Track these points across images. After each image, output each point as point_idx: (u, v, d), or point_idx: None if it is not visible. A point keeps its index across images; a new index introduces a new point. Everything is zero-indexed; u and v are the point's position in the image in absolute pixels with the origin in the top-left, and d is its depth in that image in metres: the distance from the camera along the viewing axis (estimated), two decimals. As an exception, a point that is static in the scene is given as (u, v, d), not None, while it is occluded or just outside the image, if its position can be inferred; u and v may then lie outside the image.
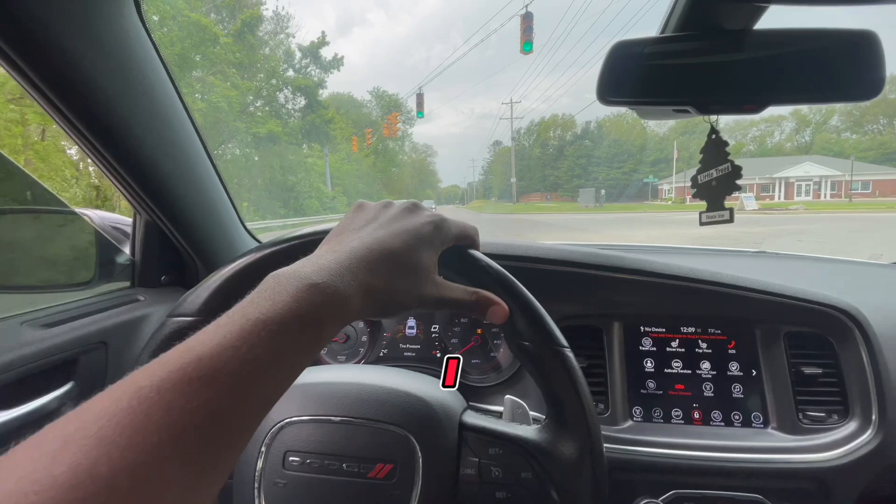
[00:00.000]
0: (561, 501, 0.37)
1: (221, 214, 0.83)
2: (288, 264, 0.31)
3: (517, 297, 0.38)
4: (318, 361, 0.79)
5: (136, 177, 0.70)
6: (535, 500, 0.37)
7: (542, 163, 74.53)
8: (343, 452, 0.38)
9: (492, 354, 0.78)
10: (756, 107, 0.54)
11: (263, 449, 0.39)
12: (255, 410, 0.25)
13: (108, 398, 0.21)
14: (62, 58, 0.55)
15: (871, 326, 0.64)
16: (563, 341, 0.38)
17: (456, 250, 0.39)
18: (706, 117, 0.61)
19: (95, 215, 0.85)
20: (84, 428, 0.20)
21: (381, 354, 0.80)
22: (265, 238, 1.02)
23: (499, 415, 0.49)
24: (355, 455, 0.38)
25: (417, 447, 0.38)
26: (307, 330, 0.27)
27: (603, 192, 47.62)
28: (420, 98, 22.46)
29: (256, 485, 0.38)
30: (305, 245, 0.42)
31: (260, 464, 0.38)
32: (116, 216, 0.87)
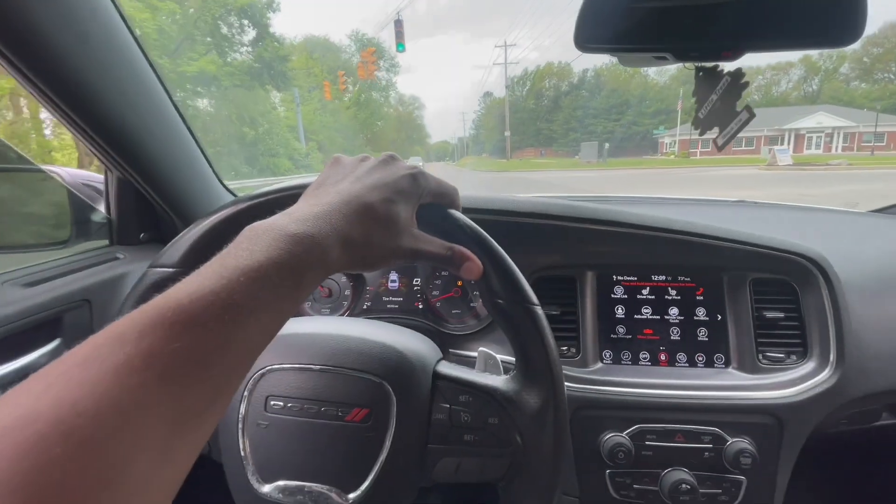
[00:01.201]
0: (524, 446, 0.40)
1: (195, 169, 0.81)
2: (265, 218, 0.32)
3: (492, 256, 0.40)
4: (302, 315, 0.81)
5: (101, 132, 0.68)
6: (500, 444, 0.41)
7: (537, 115, 70.85)
8: (322, 397, 0.40)
9: (471, 305, 0.80)
10: (733, 53, 0.53)
11: (246, 393, 0.41)
12: (237, 356, 0.25)
13: (90, 345, 0.22)
14: (16, 14, 0.51)
15: (834, 272, 0.66)
16: (534, 299, 0.40)
17: (435, 209, 0.40)
18: (686, 64, 0.59)
19: (66, 173, 0.83)
20: (67, 372, 0.20)
21: (365, 307, 0.82)
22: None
23: (473, 364, 0.52)
24: (333, 400, 0.40)
25: (392, 393, 0.41)
26: (286, 278, 0.28)
27: (607, 145, 43.96)
28: (399, 26, 17.97)
29: (240, 425, 0.40)
30: (283, 199, 0.43)
31: (243, 407, 0.41)
32: (88, 173, 0.85)
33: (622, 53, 0.58)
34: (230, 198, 0.93)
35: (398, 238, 0.35)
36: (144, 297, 0.42)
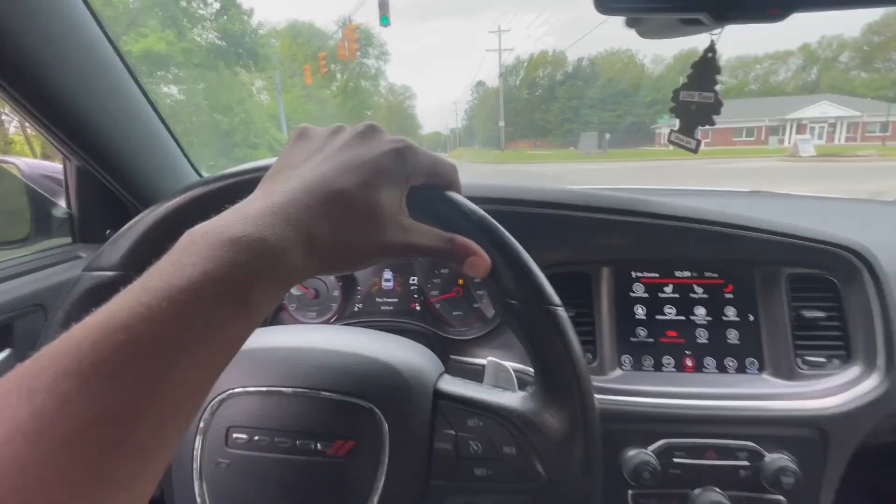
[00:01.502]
0: (549, 479, 0.32)
1: (165, 157, 0.73)
2: (232, 204, 0.25)
3: (502, 248, 0.32)
4: (286, 320, 0.74)
5: (55, 116, 0.60)
6: (519, 478, 0.33)
7: (531, 106, 67.91)
8: (296, 428, 0.33)
9: (475, 305, 0.73)
10: (782, 11, 0.45)
11: (202, 425, 0.33)
12: (166, 407, 0.19)
13: None
14: None
15: (880, 266, 0.59)
16: (556, 299, 0.33)
17: (429, 191, 0.32)
18: (710, 32, 0.53)
19: (23, 164, 0.75)
20: None
21: (356, 309, 0.74)
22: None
23: (480, 376, 0.45)
24: (311, 431, 0.33)
25: (384, 420, 0.33)
26: (227, 297, 0.21)
27: (608, 136, 42.01)
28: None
29: (195, 465, 0.33)
30: (243, 184, 0.35)
31: (198, 442, 0.33)
32: (48, 164, 0.77)
33: (649, 16, 0.50)
34: None
35: (382, 232, 0.28)
36: (78, 308, 0.35)
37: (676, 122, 0.61)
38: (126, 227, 0.37)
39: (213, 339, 0.21)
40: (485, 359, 0.48)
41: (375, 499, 0.32)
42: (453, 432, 0.34)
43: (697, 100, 0.57)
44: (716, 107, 0.54)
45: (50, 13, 0.54)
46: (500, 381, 0.42)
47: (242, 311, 0.22)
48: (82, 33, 0.58)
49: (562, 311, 0.33)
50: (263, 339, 0.38)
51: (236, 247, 0.22)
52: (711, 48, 0.57)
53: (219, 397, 0.34)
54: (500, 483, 0.34)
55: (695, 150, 0.58)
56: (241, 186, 0.33)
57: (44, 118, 0.59)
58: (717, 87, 0.57)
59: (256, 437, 0.33)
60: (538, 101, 67.32)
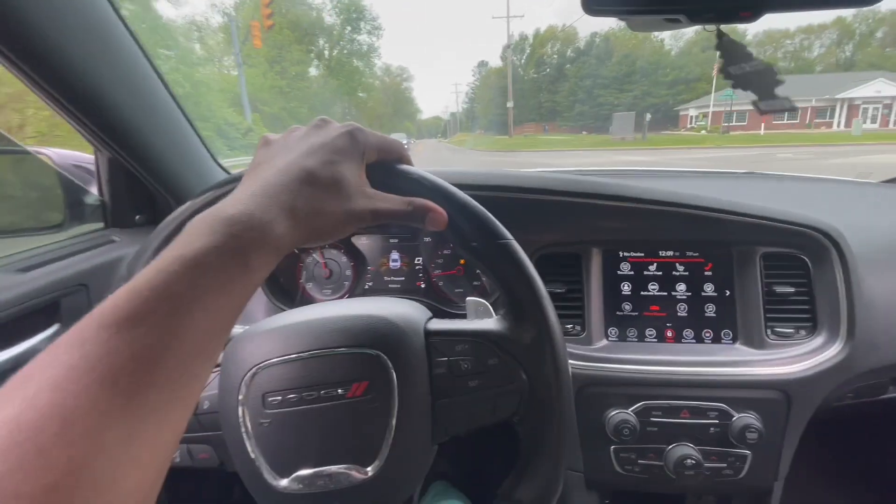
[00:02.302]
0: (528, 378, 0.40)
1: (187, 148, 0.79)
2: None
3: (454, 202, 0.38)
4: (307, 299, 0.80)
5: (89, 113, 0.65)
6: (505, 381, 0.41)
7: (538, 86, 62.92)
8: (318, 382, 0.39)
9: (475, 283, 0.79)
10: (752, 13, 0.49)
11: (241, 397, 0.40)
12: (186, 349, 0.25)
13: (34, 363, 0.22)
14: None
15: (847, 245, 0.64)
16: (506, 233, 0.39)
17: (383, 166, 0.38)
18: (706, 27, 0.56)
19: (55, 154, 0.81)
20: (12, 386, 0.21)
21: (367, 287, 0.81)
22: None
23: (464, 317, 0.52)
24: (330, 381, 0.39)
25: (388, 360, 0.40)
26: (229, 262, 0.27)
27: (648, 116, 32.96)
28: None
29: (243, 429, 0.40)
30: (226, 194, 0.41)
31: (241, 411, 0.40)
32: (78, 154, 0.83)
33: (632, 17, 0.55)
34: (223, 175, 0.90)
35: (350, 200, 0.33)
36: None
37: (710, 110, 0.57)
38: (141, 247, 0.43)
39: (220, 294, 0.26)
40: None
41: (393, 423, 0.39)
42: (445, 358, 0.41)
43: (748, 69, 0.57)
44: (770, 71, 0.50)
45: (89, 21, 0.59)
46: (479, 315, 0.49)
47: (242, 273, 0.28)
48: (110, 33, 0.63)
49: (513, 243, 0.39)
50: (279, 320, 0.44)
51: (230, 221, 0.28)
52: (719, 35, 0.58)
53: (251, 372, 0.40)
54: (490, 389, 0.41)
55: (792, 108, 0.55)
56: (228, 191, 0.39)
57: (78, 113, 0.65)
58: (750, 53, 0.57)
59: (288, 396, 0.39)
60: (546, 81, 62.86)
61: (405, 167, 0.39)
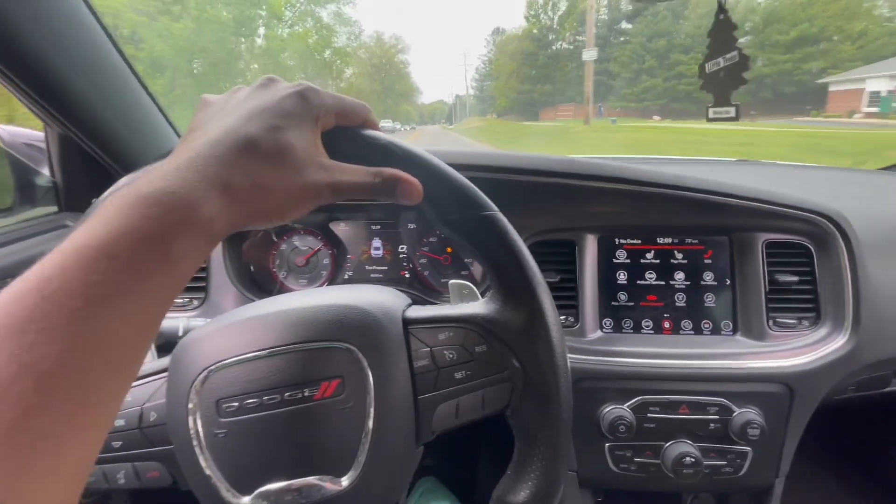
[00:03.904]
0: (521, 364, 0.36)
1: (146, 121, 0.72)
2: None
3: (430, 170, 0.34)
4: (280, 289, 0.75)
5: (33, 80, 0.58)
6: (495, 370, 0.36)
7: (577, 56, 42.36)
8: (281, 383, 0.34)
9: (462, 273, 0.74)
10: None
11: (191, 405, 0.35)
12: (91, 360, 0.20)
13: None
14: None
15: (853, 231, 0.61)
16: (491, 205, 0.35)
17: (343, 132, 0.33)
18: None
19: (5, 132, 0.74)
20: None
21: (346, 277, 0.75)
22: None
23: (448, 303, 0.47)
24: (295, 382, 0.34)
25: (361, 355, 0.35)
26: (144, 251, 0.22)
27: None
28: None
29: (195, 443, 0.34)
30: None
31: (191, 421, 0.35)
32: (30, 132, 0.76)
33: None
34: None
35: (301, 173, 0.28)
36: None
37: (711, 99, 0.56)
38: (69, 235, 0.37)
39: (134, 292, 0.21)
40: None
41: (370, 424, 0.35)
42: (428, 348, 0.37)
43: (723, 64, 0.56)
44: (743, 63, 0.54)
45: None
46: (464, 298, 0.45)
47: (163, 261, 0.22)
48: (65, 5, 0.56)
49: (499, 215, 0.35)
50: (234, 315, 0.39)
51: (147, 202, 0.22)
52: (721, 9, 0.55)
53: (200, 376, 0.35)
54: (479, 380, 0.37)
55: (737, 117, 0.56)
56: None
57: (21, 83, 0.58)
58: (740, 43, 0.55)
59: (247, 401, 0.34)
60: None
61: (370, 132, 0.33)
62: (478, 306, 0.38)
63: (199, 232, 0.24)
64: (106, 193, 0.38)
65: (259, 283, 0.74)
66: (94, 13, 0.61)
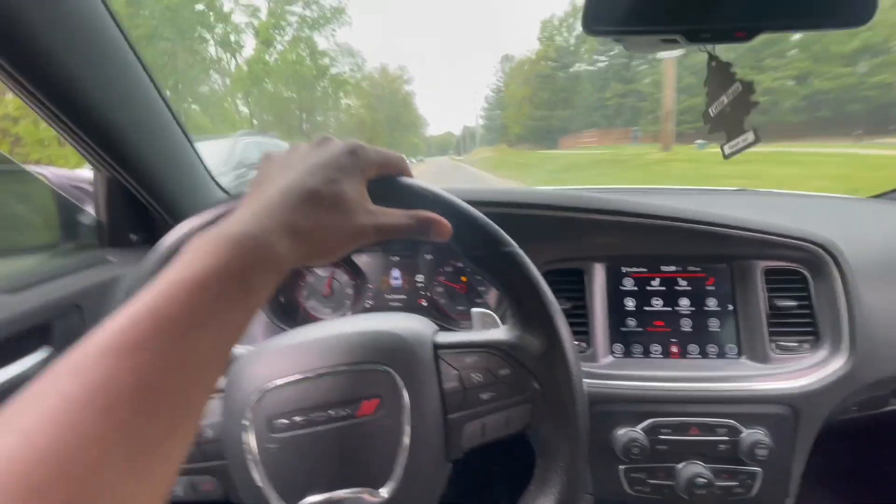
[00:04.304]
0: (540, 387, 0.40)
1: (186, 166, 0.78)
2: None
3: (457, 212, 0.38)
4: (306, 318, 0.79)
5: (90, 132, 0.64)
6: (517, 391, 0.40)
7: (603, 75, 40.63)
8: (327, 402, 0.38)
9: (477, 301, 0.78)
10: (747, 34, 0.51)
11: (247, 423, 0.38)
12: (187, 375, 0.24)
13: (30, 392, 0.21)
14: None
15: (845, 259, 0.65)
16: (510, 240, 0.39)
17: (384, 180, 0.38)
18: (702, 46, 0.57)
19: (51, 174, 0.80)
20: (10, 417, 0.20)
21: (367, 306, 0.79)
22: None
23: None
24: (339, 400, 0.38)
25: (397, 376, 0.39)
26: (230, 285, 0.26)
27: None
28: None
29: (249, 457, 0.38)
30: (228, 213, 0.41)
31: (246, 437, 0.38)
32: (74, 173, 0.82)
33: (631, 37, 0.56)
34: (221, 195, 0.90)
35: (353, 217, 0.33)
36: None
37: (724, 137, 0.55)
38: (136, 275, 0.44)
39: (221, 318, 0.26)
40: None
41: (406, 441, 0.38)
42: (456, 371, 0.41)
43: (728, 100, 0.57)
44: (748, 89, 0.54)
45: (91, 38, 0.59)
46: (486, 325, 0.49)
47: (243, 293, 0.27)
48: (117, 57, 0.63)
49: (517, 249, 0.39)
50: (283, 340, 0.43)
51: (231, 243, 0.27)
52: (712, 58, 0.60)
53: (256, 395, 0.39)
54: (503, 401, 0.40)
55: (757, 139, 0.55)
56: (225, 213, 0.39)
57: (79, 132, 0.64)
58: (737, 73, 0.55)
59: (296, 419, 0.38)
60: (618, 66, 39.55)
61: (406, 180, 0.39)
62: (500, 332, 0.42)
63: (272, 268, 0.29)
64: (174, 234, 0.43)
65: (287, 311, 0.78)
66: (143, 66, 0.68)
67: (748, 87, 0.55)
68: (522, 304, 0.40)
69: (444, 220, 0.37)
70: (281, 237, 0.29)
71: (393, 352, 0.40)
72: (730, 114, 0.56)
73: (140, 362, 0.22)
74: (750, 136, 0.56)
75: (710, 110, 0.59)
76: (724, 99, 0.57)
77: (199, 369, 0.24)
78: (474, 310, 0.50)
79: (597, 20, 0.51)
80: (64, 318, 0.65)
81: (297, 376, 0.39)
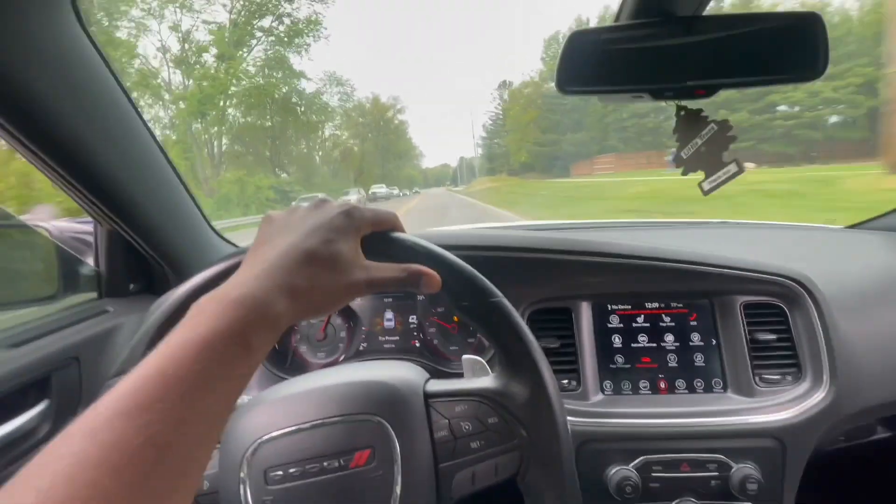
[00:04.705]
0: (528, 434, 0.41)
1: (185, 217, 0.81)
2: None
3: (446, 264, 0.40)
4: (300, 362, 0.80)
5: (91, 187, 0.68)
6: (506, 439, 0.41)
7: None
8: (320, 453, 0.39)
9: (469, 340, 0.80)
10: (707, 92, 0.56)
11: (243, 475, 0.40)
12: (195, 433, 0.26)
13: (49, 452, 0.23)
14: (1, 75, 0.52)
15: (820, 292, 0.68)
16: (496, 292, 0.41)
17: (378, 236, 0.40)
18: (666, 102, 0.62)
19: (53, 227, 0.82)
20: (28, 479, 0.21)
21: (361, 348, 0.81)
22: (234, 237, 1.00)
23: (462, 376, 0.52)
24: (332, 452, 0.39)
25: (389, 427, 0.40)
26: (232, 346, 0.28)
27: None
28: None
29: None
30: (232, 268, 0.43)
31: (243, 489, 0.39)
32: (76, 225, 0.85)
33: (600, 96, 0.61)
34: (220, 243, 0.92)
35: (347, 274, 0.35)
36: None
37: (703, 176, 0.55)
38: (140, 331, 0.45)
39: (225, 377, 0.28)
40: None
41: (398, 490, 0.39)
42: (447, 420, 0.42)
43: (702, 141, 0.58)
44: (723, 127, 0.56)
45: (90, 93, 0.62)
46: (475, 372, 0.50)
47: (245, 353, 0.29)
48: (117, 112, 0.67)
49: (503, 300, 0.41)
50: (277, 391, 0.45)
51: (233, 305, 0.30)
52: (679, 108, 0.63)
53: (251, 447, 0.40)
54: (492, 449, 0.41)
55: (740, 170, 0.56)
56: (231, 270, 0.41)
57: (83, 188, 0.67)
58: (710, 120, 0.57)
59: (291, 471, 0.39)
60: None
61: (398, 235, 0.41)
62: (488, 381, 0.43)
63: (270, 326, 0.31)
64: (179, 292, 0.46)
65: (280, 356, 0.79)
66: (143, 121, 0.72)
67: (723, 126, 0.57)
68: (509, 353, 0.42)
69: (434, 273, 0.39)
70: (280, 297, 0.32)
71: (384, 402, 0.42)
72: (705, 152, 0.58)
73: (149, 422, 0.24)
74: (732, 168, 0.57)
75: (681, 153, 0.63)
76: (698, 140, 0.59)
77: (204, 426, 0.26)
78: (465, 357, 0.52)
79: (569, 82, 0.56)
80: (62, 370, 0.66)
81: (292, 427, 0.41)
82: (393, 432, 0.40)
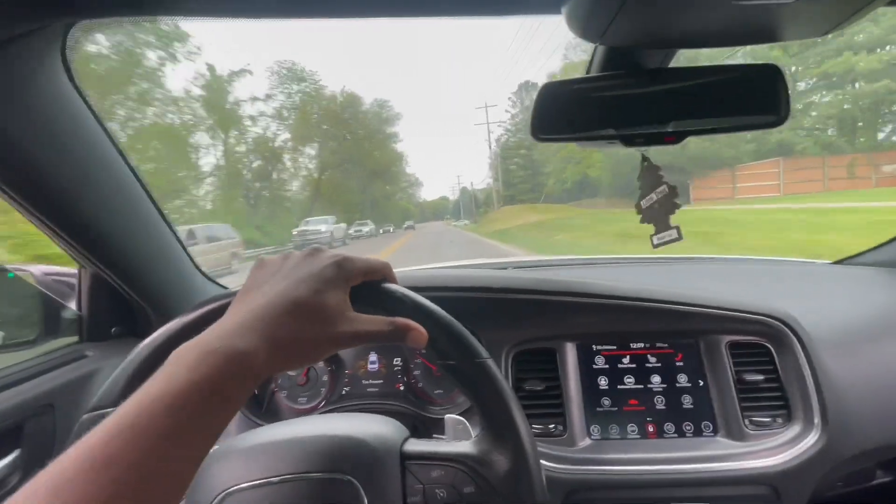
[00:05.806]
0: None
1: (171, 261, 0.81)
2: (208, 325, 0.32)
3: (434, 319, 0.40)
4: (276, 408, 0.78)
5: (74, 232, 0.68)
6: None
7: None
8: None
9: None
10: (676, 138, 0.58)
11: None
12: (162, 487, 0.25)
13: (22, 494, 0.22)
14: None
15: (805, 332, 0.68)
16: (483, 353, 0.40)
17: (367, 287, 0.40)
18: (637, 149, 0.64)
19: (37, 270, 0.82)
20: None
21: (344, 392, 0.79)
22: (223, 279, 1.00)
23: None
24: None
25: (361, 489, 0.39)
26: (209, 398, 0.28)
27: None
28: None
29: None
30: (216, 312, 0.43)
31: None
32: (59, 269, 0.84)
33: (575, 143, 0.63)
34: (207, 284, 0.92)
35: (332, 326, 0.35)
36: None
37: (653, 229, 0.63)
38: (120, 368, 0.44)
39: (200, 429, 0.27)
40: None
41: None
42: (421, 485, 0.40)
43: (656, 198, 0.64)
44: (673, 192, 0.62)
45: (73, 138, 0.63)
46: (457, 434, 0.48)
47: (222, 405, 0.29)
48: (100, 155, 0.68)
49: (490, 362, 0.40)
50: (248, 440, 0.44)
51: (214, 357, 0.29)
52: (644, 158, 0.67)
53: (218, 498, 0.39)
54: None
55: (679, 237, 0.62)
56: (216, 313, 0.40)
57: (64, 233, 0.68)
58: (665, 180, 0.63)
59: None
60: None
61: (387, 286, 0.41)
62: (469, 445, 0.42)
63: (249, 377, 0.31)
64: (159, 336, 0.45)
65: (259, 400, 0.77)
66: (128, 164, 0.72)
67: (673, 191, 0.62)
68: (492, 419, 0.40)
69: (421, 328, 0.38)
70: (262, 349, 0.31)
71: (358, 461, 0.40)
72: (657, 210, 0.62)
73: (115, 478, 0.23)
74: (674, 233, 0.62)
75: (641, 203, 0.66)
76: (654, 196, 0.64)
77: (172, 480, 0.26)
78: (448, 416, 0.50)
79: (543, 130, 0.58)
80: (36, 417, 0.64)
81: (260, 481, 0.39)
82: (363, 493, 0.39)
